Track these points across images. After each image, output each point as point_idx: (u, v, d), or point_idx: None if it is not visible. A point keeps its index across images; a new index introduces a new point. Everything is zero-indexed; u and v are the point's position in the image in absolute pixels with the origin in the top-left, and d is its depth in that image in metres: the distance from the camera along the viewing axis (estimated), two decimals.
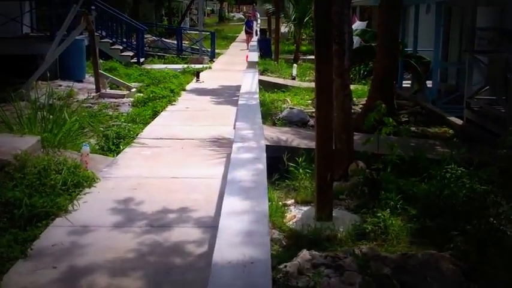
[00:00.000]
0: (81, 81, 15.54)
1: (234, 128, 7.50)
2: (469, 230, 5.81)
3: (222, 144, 8.85)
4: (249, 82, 7.68)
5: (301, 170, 7.76)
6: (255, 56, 13.71)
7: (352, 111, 8.82)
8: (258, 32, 35.23)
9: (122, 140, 8.93)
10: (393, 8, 10.55)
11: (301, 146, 8.76)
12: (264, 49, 26.67)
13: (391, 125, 7.78)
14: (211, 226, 5.56)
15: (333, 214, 6.77)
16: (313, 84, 17.52)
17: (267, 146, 7.25)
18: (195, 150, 8.54)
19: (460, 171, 7.53)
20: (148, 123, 10.66)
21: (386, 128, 7.79)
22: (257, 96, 6.81)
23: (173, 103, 12.94)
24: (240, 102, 6.06)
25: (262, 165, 3.22)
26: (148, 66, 20.39)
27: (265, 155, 3.49)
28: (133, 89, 14.37)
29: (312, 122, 11.41)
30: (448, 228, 6.46)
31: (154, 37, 27.92)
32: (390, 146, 7.76)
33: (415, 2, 15.62)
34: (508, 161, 6.74)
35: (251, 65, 11.49)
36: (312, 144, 8.75)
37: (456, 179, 7.46)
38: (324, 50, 6.55)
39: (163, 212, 5.91)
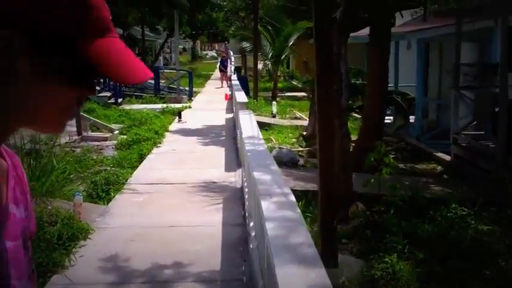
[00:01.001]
0: None
1: (241, 172, 7.20)
2: (486, 275, 5.59)
3: (215, 188, 8.54)
4: (249, 125, 7.42)
5: None
6: (243, 96, 13.50)
7: None
8: (233, 70, 35.24)
9: (111, 186, 8.57)
10: (384, 46, 10.49)
11: (297, 188, 8.50)
12: (242, 87, 26.54)
13: (392, 166, 7.60)
14: (218, 280, 5.23)
15: (338, 259, 6.51)
16: (294, 122, 17.50)
17: None
18: (189, 196, 8.20)
19: (463, 212, 7.38)
20: (136, 167, 10.30)
21: (386, 168, 7.61)
22: (262, 141, 6.55)
23: (158, 145, 12.62)
24: (247, 147, 5.77)
25: (304, 229, 2.92)
26: (127, 107, 20.06)
27: (299, 210, 3.21)
28: (116, 131, 14.02)
29: (301, 161, 11.20)
30: (458, 271, 6.24)
31: None
32: (392, 186, 7.57)
33: (395, 39, 15.66)
34: None
35: (240, 106, 11.24)
36: (308, 186, 8.56)
37: (460, 220, 7.30)
38: (325, 91, 6.37)
39: (165, 266, 5.55)
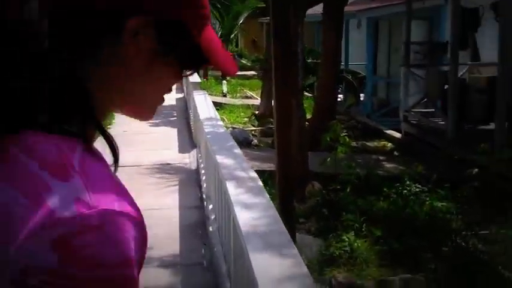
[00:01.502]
0: None
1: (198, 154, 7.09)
2: (443, 252, 5.69)
3: (170, 170, 8.41)
4: (205, 106, 7.29)
5: None
6: (195, 76, 13.29)
7: None
8: None
9: None
10: (336, 25, 10.49)
11: (254, 169, 8.43)
12: None
13: (348, 144, 7.63)
14: (178, 264, 5.14)
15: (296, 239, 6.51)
16: (246, 101, 17.45)
17: None
18: (144, 178, 8.05)
19: (417, 189, 7.48)
20: None
21: (342, 147, 7.63)
22: (221, 122, 6.45)
23: (108, 126, 12.31)
24: (206, 129, 5.66)
25: (271, 208, 2.86)
26: None
27: (266, 194, 3.14)
28: None
29: (255, 141, 11.16)
30: (414, 248, 6.34)
31: None
32: (348, 165, 7.60)
33: (346, 17, 15.70)
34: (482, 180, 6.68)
35: (194, 86, 11.08)
36: (264, 166, 8.51)
37: (415, 196, 7.40)
38: (284, 73, 6.30)
39: None
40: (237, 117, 14.83)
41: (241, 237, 2.53)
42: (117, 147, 0.87)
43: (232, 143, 4.70)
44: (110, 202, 0.71)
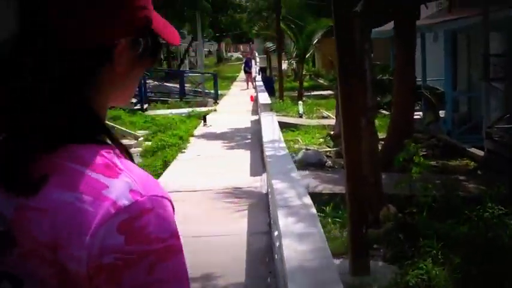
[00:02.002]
0: None
1: (266, 176, 6.94)
2: None
3: (240, 194, 8.29)
4: (270, 128, 7.17)
5: (329, 219, 7.18)
6: (266, 97, 13.25)
7: None
8: (258, 71, 35.06)
9: None
10: (409, 40, 10.11)
11: (325, 192, 8.23)
12: (267, 88, 26.27)
13: (423, 165, 7.25)
14: None
15: (370, 266, 6.19)
16: (321, 122, 17.16)
17: None
18: (213, 203, 7.97)
19: (500, 211, 6.99)
20: (160, 174, 10.12)
21: (417, 168, 7.25)
22: (283, 144, 6.27)
23: (183, 151, 12.44)
24: (267, 153, 5.50)
25: (322, 240, 2.63)
26: (152, 112, 19.97)
27: (319, 225, 2.92)
28: (141, 138, 13.88)
29: (329, 162, 10.88)
30: (498, 277, 5.88)
31: (156, 82, 27.54)
32: (424, 187, 7.22)
33: (421, 31, 15.22)
34: None
35: (264, 107, 10.98)
36: (336, 189, 8.24)
37: (498, 219, 6.91)
38: (349, 89, 6.08)
39: (192, 281, 5.29)
40: (312, 138, 14.58)
41: (286, 274, 2.32)
42: (125, 148, 0.99)
43: (292, 166, 4.51)
44: (153, 189, 0.90)
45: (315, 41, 24.61)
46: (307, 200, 3.43)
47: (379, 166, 7.70)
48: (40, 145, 0.89)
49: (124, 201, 0.85)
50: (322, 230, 2.85)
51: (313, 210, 3.20)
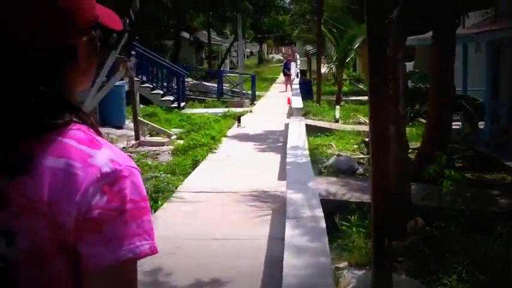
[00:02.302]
0: (120, 127, 15.18)
1: (286, 181, 6.84)
2: None
3: (266, 198, 8.19)
4: (296, 134, 7.07)
5: (354, 229, 7.02)
6: (299, 102, 13.15)
7: None
8: (298, 73, 34.90)
9: (160, 194, 8.37)
10: (448, 49, 9.85)
11: (353, 200, 8.06)
12: (305, 91, 26.14)
13: (454, 178, 7.03)
14: None
15: (393, 279, 6.03)
16: (358, 127, 16.92)
17: None
18: (238, 205, 7.89)
19: None
20: (189, 173, 10.11)
21: (447, 181, 7.05)
22: (306, 151, 6.16)
23: (214, 151, 12.41)
24: (288, 160, 5.40)
25: (325, 256, 2.52)
26: (188, 111, 20.04)
27: (326, 239, 2.80)
28: (173, 136, 13.91)
29: (361, 169, 10.69)
30: None
31: (194, 81, 27.73)
32: (453, 201, 7.01)
33: (463, 41, 14.87)
34: None
35: (296, 112, 10.88)
36: (364, 198, 8.06)
37: None
38: (379, 97, 5.92)
39: (202, 284, 5.23)
40: (346, 143, 14.36)
41: None
42: (97, 129, 1.19)
43: (310, 174, 4.39)
44: (128, 161, 1.14)
45: (356, 46, 24.37)
46: (319, 212, 3.33)
47: (409, 177, 7.51)
48: (25, 130, 1.10)
49: (106, 169, 1.10)
50: (327, 244, 2.74)
51: (323, 223, 3.09)
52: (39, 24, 1.12)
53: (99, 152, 1.11)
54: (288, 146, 6.39)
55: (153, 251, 1.13)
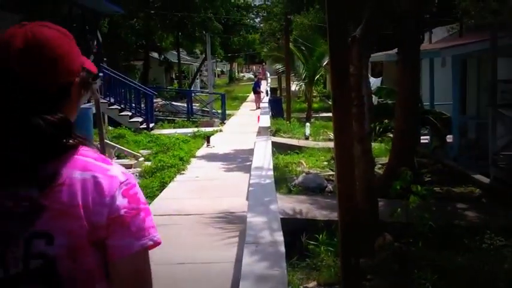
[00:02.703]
0: None
1: (247, 200, 6.79)
2: None
3: (233, 220, 8.11)
4: (261, 154, 7.02)
5: (322, 248, 6.97)
6: (266, 120, 13.13)
7: None
8: (269, 91, 34.98)
9: None
10: (413, 65, 9.94)
11: (320, 218, 8.02)
12: (276, 109, 26.26)
13: (420, 193, 7.03)
14: None
15: None
16: (328, 144, 16.95)
17: (282, 219, 6.51)
18: (204, 227, 7.81)
19: (499, 242, 6.77)
20: (156, 196, 10.00)
21: (414, 197, 7.05)
22: (271, 172, 6.11)
23: (182, 172, 12.31)
24: (251, 181, 5.34)
25: (283, 284, 2.46)
26: (157, 132, 19.91)
27: (284, 265, 2.74)
28: (141, 158, 13.77)
29: (330, 187, 10.68)
30: None
31: (164, 101, 27.62)
32: (420, 216, 7.02)
33: (428, 56, 15.06)
34: None
35: (263, 130, 10.84)
36: (332, 216, 8.02)
37: (495, 251, 6.69)
38: (343, 115, 5.92)
39: None
40: (316, 160, 14.38)
41: None
42: (93, 145, 1.57)
43: (272, 197, 4.33)
44: (126, 171, 1.51)
45: (325, 63, 24.53)
46: (279, 236, 3.26)
47: (376, 193, 7.50)
48: (43, 154, 1.41)
49: (122, 178, 1.46)
50: (286, 270, 2.68)
51: (282, 248, 3.03)
52: (41, 69, 1.44)
53: (112, 167, 1.48)
54: (253, 166, 6.33)
55: (160, 241, 1.48)
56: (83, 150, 1.47)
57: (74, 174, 1.41)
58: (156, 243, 1.46)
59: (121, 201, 1.42)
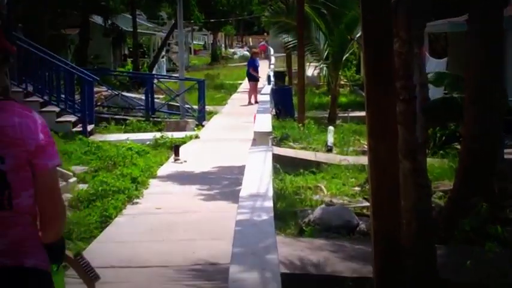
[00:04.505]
0: None
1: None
2: None
3: (214, 275, 8.13)
4: (257, 174, 7.04)
5: None
6: (266, 122, 13.12)
7: None
8: (271, 77, 34.85)
9: None
10: (492, 38, 9.93)
11: (347, 274, 8.05)
12: (282, 104, 26.21)
13: (502, 238, 7.06)
14: None
15: None
16: (361, 159, 16.99)
17: (286, 275, 6.49)
18: (171, 287, 7.85)
19: None
20: (95, 237, 10.02)
21: (492, 243, 7.09)
22: (270, 203, 6.11)
23: (136, 201, 12.36)
24: (239, 216, 5.34)
25: None
26: (99, 138, 20.00)
27: None
28: (72, 179, 13.79)
29: (363, 226, 10.69)
30: None
31: (111, 90, 27.58)
32: (501, 273, 7.04)
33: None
34: None
35: (261, 137, 10.86)
36: (366, 271, 8.05)
37: None
38: (380, 117, 5.96)
39: None
40: (344, 185, 14.40)
41: None
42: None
43: (271, 242, 4.31)
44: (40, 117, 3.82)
45: (359, 35, 24.53)
46: None
47: (434, 237, 7.52)
48: None
49: (40, 120, 3.60)
50: None
51: None
52: None
53: (33, 112, 3.58)
54: (243, 193, 6.33)
55: (60, 162, 3.67)
56: (10, 102, 3.55)
57: (14, 119, 3.46)
58: (59, 164, 3.62)
59: (41, 135, 3.49)
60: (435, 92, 18.56)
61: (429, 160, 13.63)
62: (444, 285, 7.44)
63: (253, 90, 32.55)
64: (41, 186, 3.55)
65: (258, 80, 33.36)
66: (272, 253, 4.15)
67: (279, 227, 9.63)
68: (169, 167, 16.17)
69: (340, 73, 26.91)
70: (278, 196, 11.52)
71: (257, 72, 33.60)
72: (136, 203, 12.30)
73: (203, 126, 24.27)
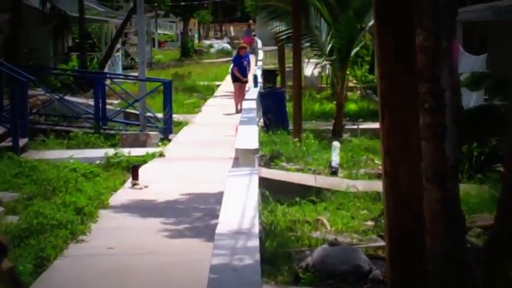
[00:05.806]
0: None
1: None
2: None
3: None
4: (239, 203, 7.03)
5: None
6: (251, 135, 13.12)
7: None
8: (259, 78, 34.77)
9: None
10: None
11: None
12: (273, 112, 26.24)
13: None
14: None
15: None
16: (375, 185, 17.04)
17: None
18: None
19: None
20: (27, 286, 9.96)
21: None
22: (256, 242, 6.10)
23: (81, 238, 12.36)
24: (215, 261, 5.34)
25: None
26: (35, 155, 20.12)
27: None
28: (0, 209, 13.78)
29: (377, 272, 10.72)
30: None
31: (50, 94, 27.59)
32: None
33: None
34: None
35: (245, 156, 10.86)
36: None
37: None
38: (398, 130, 5.99)
39: None
40: (352, 218, 14.47)
41: None
42: None
43: None
44: None
45: (371, 23, 24.67)
46: None
47: (468, 286, 7.53)
48: None
49: None
50: None
51: None
52: None
53: None
54: (220, 230, 6.31)
55: None
56: None
57: None
58: None
59: None
60: (471, 98, 18.76)
61: (463, 187, 13.76)
62: None
63: (240, 95, 31.94)
64: None
65: (244, 82, 32.75)
66: None
67: (268, 274, 9.65)
68: (125, 194, 16.24)
69: (348, 72, 27.00)
70: (267, 233, 11.54)
71: (245, 74, 32.85)
72: (82, 240, 12.31)
73: (169, 140, 24.35)
